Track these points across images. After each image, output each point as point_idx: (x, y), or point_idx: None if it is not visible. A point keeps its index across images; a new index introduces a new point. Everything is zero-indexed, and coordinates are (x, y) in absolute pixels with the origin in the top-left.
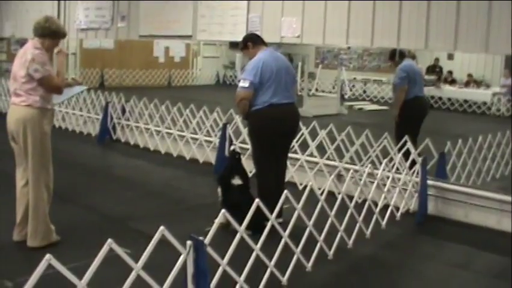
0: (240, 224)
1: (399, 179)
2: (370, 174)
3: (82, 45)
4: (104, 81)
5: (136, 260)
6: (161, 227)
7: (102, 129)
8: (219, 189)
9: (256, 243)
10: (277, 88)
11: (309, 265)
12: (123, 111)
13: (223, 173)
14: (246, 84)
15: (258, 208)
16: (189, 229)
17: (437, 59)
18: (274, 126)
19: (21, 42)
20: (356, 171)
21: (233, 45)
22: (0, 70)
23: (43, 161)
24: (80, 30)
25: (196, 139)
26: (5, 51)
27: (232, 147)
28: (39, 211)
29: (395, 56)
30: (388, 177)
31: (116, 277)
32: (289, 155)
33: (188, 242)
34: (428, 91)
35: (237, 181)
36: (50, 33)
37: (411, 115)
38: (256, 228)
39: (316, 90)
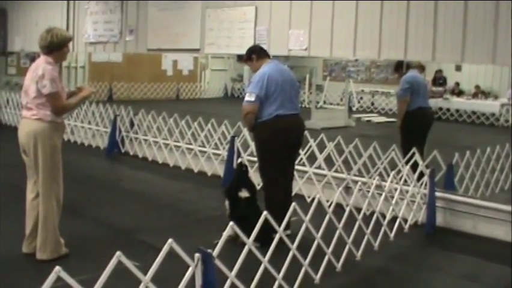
0: (248, 236)
1: (407, 191)
2: (378, 186)
3: (90, 59)
4: (113, 95)
5: (145, 273)
6: (170, 240)
7: (111, 142)
8: (227, 202)
9: (264, 256)
10: (283, 100)
11: (317, 277)
12: (131, 124)
13: (230, 185)
14: (252, 98)
15: (266, 220)
16: (198, 242)
17: (439, 71)
18: (281, 138)
19: (31, 56)
20: (364, 183)
21: (241, 58)
22: (10, 84)
23: (53, 174)
24: (89, 43)
25: (205, 152)
26: (14, 65)
27: (239, 160)
28: (49, 224)
29: (400, 67)
30: (396, 189)
31: None
32: (298, 167)
33: (197, 255)
34: (436, 103)
35: (244, 194)
36: (56, 47)
37: (414, 126)
38: (264, 240)
39: (324, 102)
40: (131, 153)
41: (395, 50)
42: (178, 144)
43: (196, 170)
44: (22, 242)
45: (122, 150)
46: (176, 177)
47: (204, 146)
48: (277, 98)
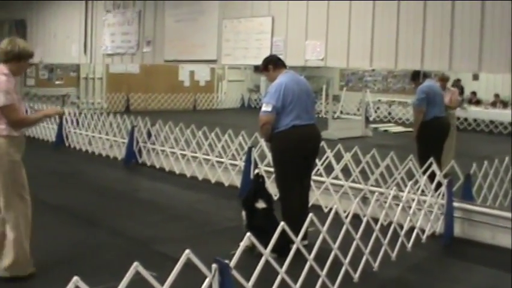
0: (265, 247)
1: (424, 201)
2: (395, 197)
3: (108, 70)
4: (130, 105)
5: (162, 283)
6: (187, 250)
7: (128, 152)
8: (243, 213)
9: (281, 266)
10: (299, 110)
11: None
12: (149, 135)
13: (247, 196)
14: (269, 109)
15: (283, 231)
16: (215, 252)
17: (457, 80)
18: (297, 148)
19: (50, 68)
20: (381, 193)
21: (257, 68)
22: (29, 95)
23: (16, 190)
24: (107, 55)
25: (222, 162)
26: (33, 76)
27: (256, 171)
28: (16, 241)
29: (417, 77)
30: (413, 200)
31: None
32: (315, 177)
33: (214, 265)
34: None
35: (261, 204)
36: (15, 57)
37: (430, 136)
38: (281, 251)
39: (341, 112)
40: (149, 163)
41: (411, 60)
42: (195, 154)
43: (213, 181)
44: None
45: (140, 161)
46: (193, 188)
47: (221, 157)
48: (294, 109)
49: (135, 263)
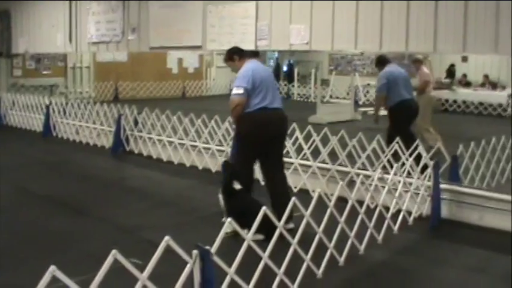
0: (248, 230)
1: (410, 183)
2: (381, 179)
3: (95, 59)
4: (119, 94)
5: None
6: (167, 237)
7: (115, 141)
8: (220, 197)
9: (264, 251)
10: (266, 94)
11: (319, 272)
12: (136, 123)
13: (225, 182)
14: (241, 91)
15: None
16: (202, 238)
17: (453, 65)
18: (261, 131)
19: (36, 58)
20: (367, 176)
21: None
22: (16, 86)
23: None
24: (92, 43)
25: (209, 149)
26: (20, 67)
27: (223, 159)
28: None
29: (380, 63)
30: (399, 182)
31: None
32: (302, 162)
33: (195, 251)
34: (442, 94)
35: (237, 186)
36: None
37: (398, 118)
38: (268, 232)
39: (331, 97)
40: (136, 151)
41: (396, 42)
42: (182, 141)
43: (200, 167)
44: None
45: (127, 149)
46: (181, 175)
47: (208, 143)
48: (261, 92)
49: (113, 251)
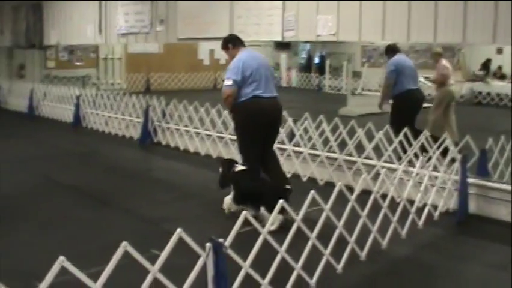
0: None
1: (437, 177)
2: (406, 173)
3: (126, 50)
4: (150, 86)
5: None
6: (179, 229)
7: (143, 132)
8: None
9: (281, 245)
10: (259, 83)
11: (339, 267)
12: (164, 114)
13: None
14: (230, 82)
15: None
16: (224, 231)
17: (489, 60)
18: (257, 119)
19: (69, 50)
20: (392, 169)
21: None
22: (49, 77)
23: None
24: (121, 35)
25: (235, 140)
26: (53, 58)
27: (226, 157)
28: None
29: (390, 52)
30: (425, 176)
31: (139, 280)
32: (328, 154)
33: (208, 244)
34: (476, 86)
35: (239, 167)
36: None
37: (403, 107)
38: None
39: (363, 89)
40: (164, 142)
41: (424, 33)
42: (209, 133)
43: None
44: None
45: (155, 140)
46: (207, 166)
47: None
48: (253, 81)
49: (124, 243)
